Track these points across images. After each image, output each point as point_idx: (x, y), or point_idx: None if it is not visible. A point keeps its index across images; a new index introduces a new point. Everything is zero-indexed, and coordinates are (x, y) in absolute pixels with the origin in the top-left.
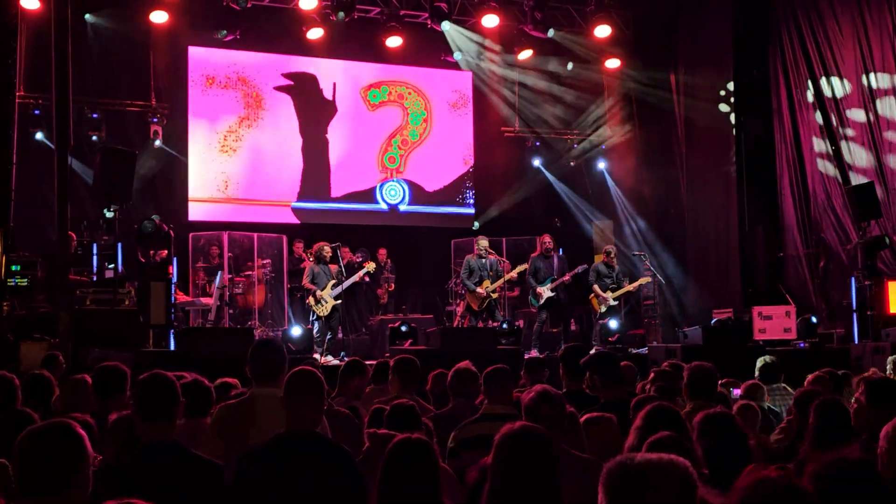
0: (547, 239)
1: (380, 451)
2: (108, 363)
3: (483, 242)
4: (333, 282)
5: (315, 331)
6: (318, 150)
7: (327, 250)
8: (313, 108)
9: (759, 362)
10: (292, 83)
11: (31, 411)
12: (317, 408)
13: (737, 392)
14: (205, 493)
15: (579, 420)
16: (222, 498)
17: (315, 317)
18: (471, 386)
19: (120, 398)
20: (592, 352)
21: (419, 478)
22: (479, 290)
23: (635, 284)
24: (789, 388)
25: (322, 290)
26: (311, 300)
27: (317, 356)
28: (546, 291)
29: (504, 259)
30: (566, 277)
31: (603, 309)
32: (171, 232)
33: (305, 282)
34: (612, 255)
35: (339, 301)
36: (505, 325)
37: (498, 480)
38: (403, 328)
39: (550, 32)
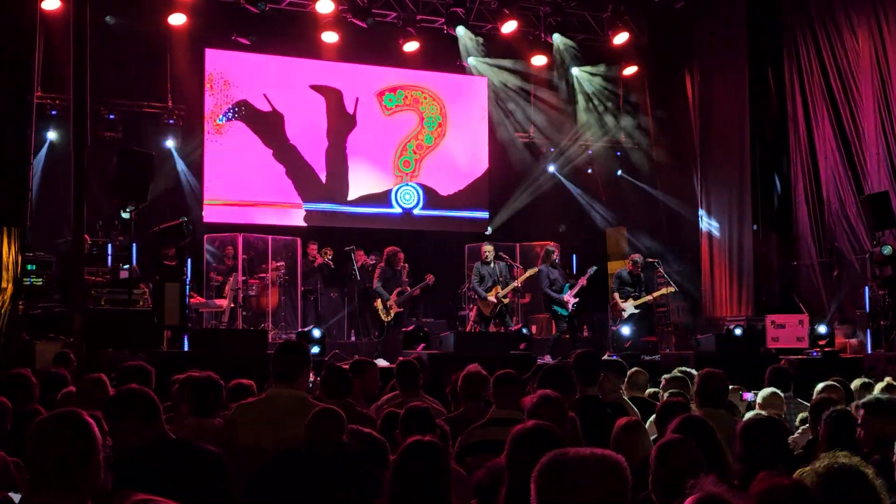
0: (557, 252)
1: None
2: (132, 362)
3: (488, 248)
4: (399, 289)
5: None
6: (333, 154)
7: (401, 256)
8: (328, 111)
9: (770, 370)
10: (307, 86)
11: (42, 409)
12: (339, 426)
13: (747, 396)
14: None
15: (578, 425)
16: None
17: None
18: (482, 389)
19: None
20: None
21: (429, 479)
22: (489, 297)
23: (656, 294)
24: (801, 400)
25: (389, 297)
26: (378, 304)
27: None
28: (572, 299)
29: (518, 265)
30: (583, 281)
31: (625, 315)
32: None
33: (375, 283)
34: (639, 265)
35: (402, 309)
36: (525, 331)
37: (513, 480)
38: (417, 332)
39: (555, 38)
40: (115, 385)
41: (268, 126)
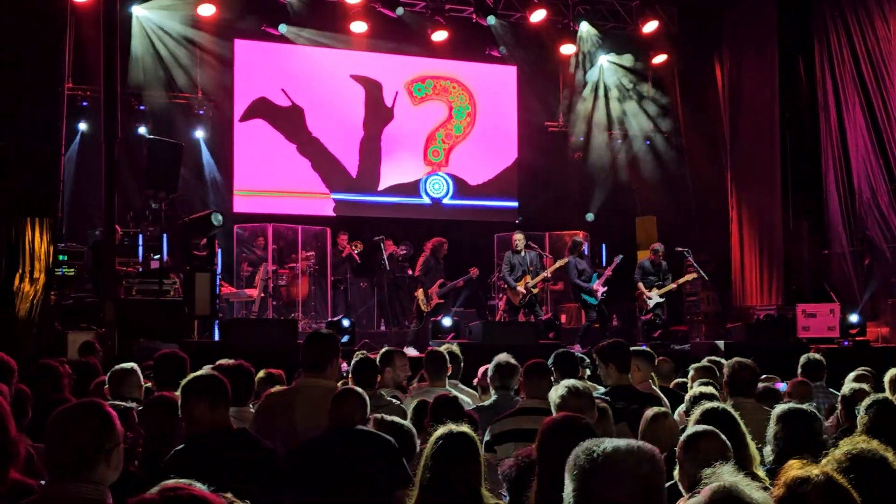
0: (586, 243)
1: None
2: (167, 350)
3: (518, 237)
4: (441, 280)
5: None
6: (367, 144)
7: (446, 247)
8: (367, 102)
9: (803, 359)
10: (336, 76)
11: (73, 399)
12: (361, 406)
13: (779, 386)
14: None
15: (609, 414)
16: None
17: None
18: (512, 379)
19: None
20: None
21: (460, 468)
22: (518, 286)
23: (680, 281)
24: (832, 389)
25: (431, 287)
26: (420, 293)
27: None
28: (601, 287)
29: (547, 254)
30: (608, 272)
31: (650, 305)
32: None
33: (418, 272)
34: (660, 254)
35: (443, 300)
36: (557, 321)
37: (544, 473)
38: (446, 322)
39: (584, 26)
40: (148, 374)
41: (296, 116)
